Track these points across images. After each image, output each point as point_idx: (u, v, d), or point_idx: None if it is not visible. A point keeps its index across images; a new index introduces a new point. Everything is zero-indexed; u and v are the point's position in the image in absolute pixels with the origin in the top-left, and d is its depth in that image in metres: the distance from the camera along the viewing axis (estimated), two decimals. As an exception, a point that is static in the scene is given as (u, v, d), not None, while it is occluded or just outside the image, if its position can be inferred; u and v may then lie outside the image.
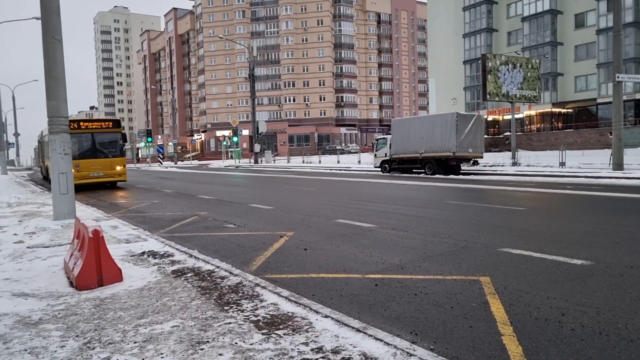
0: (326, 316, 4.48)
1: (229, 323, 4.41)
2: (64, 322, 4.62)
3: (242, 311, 4.74)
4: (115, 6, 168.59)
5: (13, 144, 62.34)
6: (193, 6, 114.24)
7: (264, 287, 5.47)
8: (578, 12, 52.76)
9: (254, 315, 4.60)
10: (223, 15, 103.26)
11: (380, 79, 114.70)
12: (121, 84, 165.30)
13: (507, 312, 4.77)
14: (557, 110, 55.75)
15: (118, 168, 22.10)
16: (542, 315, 4.68)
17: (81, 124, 21.83)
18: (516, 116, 39.03)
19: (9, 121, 66.28)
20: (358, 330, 4.11)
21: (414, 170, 28.81)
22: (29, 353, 3.91)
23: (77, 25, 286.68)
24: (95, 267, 5.88)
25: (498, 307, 4.90)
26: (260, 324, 4.38)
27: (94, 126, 21.96)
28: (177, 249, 7.84)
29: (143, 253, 7.70)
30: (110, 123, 22.58)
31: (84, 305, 5.14)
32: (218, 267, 6.50)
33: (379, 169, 31.14)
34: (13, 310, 5.03)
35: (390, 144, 29.53)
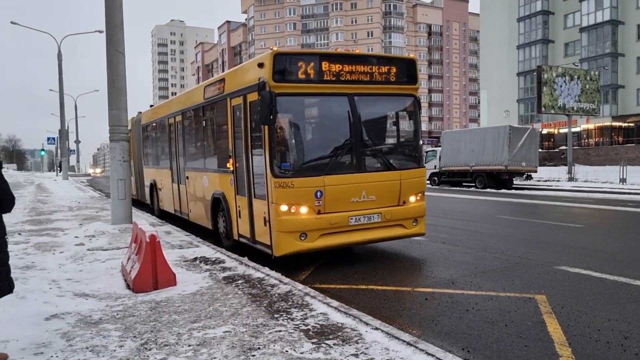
0: (376, 328, 4.45)
1: (280, 331, 4.46)
2: (122, 323, 4.80)
3: (292, 320, 4.79)
4: (172, 19, 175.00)
5: (74, 150, 65.45)
6: (245, 19, 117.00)
7: (313, 297, 5.49)
8: (641, 22, 50.51)
9: (304, 324, 4.63)
10: (274, 28, 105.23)
11: (430, 91, 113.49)
12: (176, 94, 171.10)
13: (565, 332, 4.59)
14: (617, 124, 53.36)
15: (412, 199, 7.92)
16: (603, 337, 4.48)
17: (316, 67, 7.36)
18: (573, 129, 37.59)
19: (71, 129, 69.85)
20: (409, 344, 4.06)
21: (463, 184, 28.27)
22: (90, 351, 4.09)
23: (136, 39, 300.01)
24: (151, 271, 6.08)
25: (555, 327, 4.73)
26: (310, 333, 4.41)
27: (355, 72, 7.49)
28: (228, 256, 8.00)
29: (195, 259, 7.90)
30: (394, 68, 7.89)
31: (140, 308, 5.33)
32: (268, 275, 6.60)
33: (428, 182, 30.73)
34: (75, 309, 5.27)
35: (439, 157, 29.10)
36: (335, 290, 6.14)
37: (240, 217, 7.93)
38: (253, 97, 7.10)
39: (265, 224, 7.08)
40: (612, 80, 52.09)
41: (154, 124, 14.70)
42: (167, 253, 7.52)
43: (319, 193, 6.91)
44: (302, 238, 6.89)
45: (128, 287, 6.25)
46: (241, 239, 8.10)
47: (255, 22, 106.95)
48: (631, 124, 52.53)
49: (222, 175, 8.65)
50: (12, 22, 38.39)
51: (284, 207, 6.78)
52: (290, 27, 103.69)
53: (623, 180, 24.49)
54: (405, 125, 8.19)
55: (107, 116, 11.41)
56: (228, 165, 8.24)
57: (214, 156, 9.41)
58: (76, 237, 10.11)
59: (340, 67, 7.21)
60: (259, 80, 6.82)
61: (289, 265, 7.52)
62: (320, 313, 4.96)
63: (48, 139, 53.57)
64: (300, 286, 5.98)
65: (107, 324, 4.80)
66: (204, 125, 10.02)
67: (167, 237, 10.08)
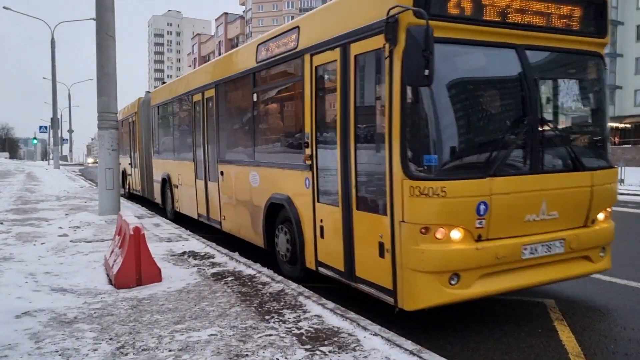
0: (375, 334, 4.09)
1: (270, 335, 4.09)
2: (99, 323, 4.42)
3: (284, 322, 4.42)
4: (169, 10, 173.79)
5: (67, 139, 64.66)
6: (243, 11, 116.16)
7: (307, 297, 5.15)
8: (640, 23, 50.35)
9: (297, 328, 4.27)
10: (272, 21, 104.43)
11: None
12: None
13: (578, 342, 4.25)
14: (614, 124, 53.27)
15: (600, 217, 5.27)
16: (621, 349, 4.14)
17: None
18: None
19: (64, 118, 69.02)
20: (412, 353, 3.70)
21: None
22: (60, 355, 3.71)
23: (132, 29, 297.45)
24: (134, 265, 5.72)
25: (568, 336, 4.38)
26: (304, 337, 4.04)
27: (528, 11, 4.79)
28: (218, 251, 7.62)
29: (184, 253, 7.53)
30: (579, 10, 5.11)
31: (120, 306, 4.94)
32: (260, 272, 6.24)
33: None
34: (50, 306, 4.88)
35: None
36: (330, 290, 5.77)
37: (323, 236, 5.70)
38: (365, 46, 4.86)
39: (382, 255, 4.65)
40: (609, 81, 51.89)
41: (169, 105, 12.22)
42: (154, 246, 7.26)
43: (482, 207, 4.38)
44: (453, 282, 4.38)
45: (110, 282, 5.88)
46: (322, 269, 5.78)
47: (253, 15, 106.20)
48: (628, 125, 52.47)
49: (287, 171, 6.46)
50: (4, 7, 37.68)
51: (424, 230, 4.30)
52: (288, 19, 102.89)
53: (621, 181, 24.26)
54: (590, 101, 5.60)
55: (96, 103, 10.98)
56: (303, 158, 5.92)
57: (273, 144, 7.34)
58: (60, 227, 9.69)
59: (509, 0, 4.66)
60: (388, 15, 4.27)
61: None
62: (315, 315, 4.62)
63: (40, 127, 52.81)
64: (294, 285, 5.64)
65: (83, 323, 4.41)
66: (255, 100, 7.45)
67: (155, 230, 9.69)
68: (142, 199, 15.71)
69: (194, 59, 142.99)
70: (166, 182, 12.48)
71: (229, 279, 6.00)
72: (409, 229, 4.37)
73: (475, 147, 4.66)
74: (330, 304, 4.90)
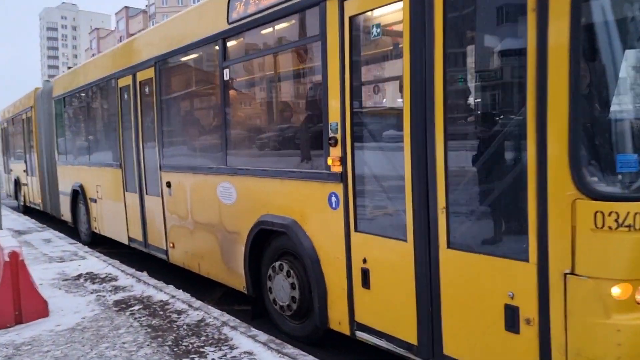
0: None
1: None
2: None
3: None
4: (63, 2, 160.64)
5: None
6: (146, 5, 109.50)
7: (233, 328, 4.37)
8: None
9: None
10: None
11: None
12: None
13: None
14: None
15: None
16: None
17: None
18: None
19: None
20: None
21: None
22: None
23: (21, 22, 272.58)
24: (12, 299, 4.82)
25: None
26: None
27: None
28: (122, 271, 6.57)
29: (79, 276, 6.49)
30: None
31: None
32: (174, 296, 5.33)
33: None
34: None
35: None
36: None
37: (367, 284, 3.63)
38: None
39: (512, 327, 2.77)
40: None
41: (81, 94, 9.42)
42: (42, 270, 6.51)
43: None
44: None
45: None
46: (364, 335, 3.75)
47: (157, 9, 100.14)
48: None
49: (292, 183, 4.27)
50: None
51: (619, 290, 2.44)
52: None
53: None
54: None
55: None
56: (327, 162, 3.80)
57: (261, 142, 5.06)
58: None
59: None
60: None
61: (200, 277, 5.85)
62: (245, 352, 3.91)
63: None
64: (216, 312, 4.83)
65: None
66: (227, 79, 5.06)
67: (45, 247, 8.27)
68: (43, 215, 12.53)
69: (93, 54, 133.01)
70: (79, 195, 9.55)
71: (136, 307, 5.13)
72: (588, 288, 2.46)
73: None
74: (263, 336, 4.17)
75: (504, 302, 2.79)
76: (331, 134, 3.79)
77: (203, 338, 4.20)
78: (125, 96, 7.31)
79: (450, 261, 3.07)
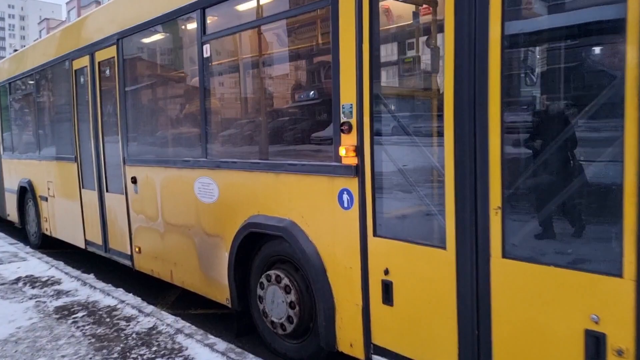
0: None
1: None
2: None
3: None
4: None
5: None
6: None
7: (188, 335, 4.05)
8: None
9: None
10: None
11: None
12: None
13: None
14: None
15: None
16: None
17: None
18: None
19: None
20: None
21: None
22: None
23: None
24: None
25: None
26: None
27: None
28: (66, 273, 6.08)
29: (18, 279, 5.98)
30: None
31: None
32: (123, 301, 4.97)
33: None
34: None
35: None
36: (222, 317, 4.63)
37: (390, 300, 2.99)
38: None
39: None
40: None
41: (28, 80, 8.24)
42: None
43: None
44: None
45: None
46: None
47: None
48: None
49: (289, 178, 3.57)
50: None
51: None
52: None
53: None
54: None
55: None
56: (338, 152, 3.13)
57: (249, 130, 4.34)
58: None
59: None
60: None
61: (153, 278, 5.35)
62: None
63: None
64: (170, 318, 4.47)
65: None
66: (207, 56, 4.28)
67: None
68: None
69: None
70: (27, 193, 8.48)
71: (80, 315, 4.71)
72: None
73: None
74: (221, 344, 3.85)
75: (584, 327, 2.21)
76: (344, 119, 3.11)
77: (154, 348, 3.88)
78: (82, 79, 6.39)
79: (505, 274, 2.46)
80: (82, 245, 6.76)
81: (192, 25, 4.51)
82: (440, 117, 2.64)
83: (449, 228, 2.65)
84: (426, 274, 2.81)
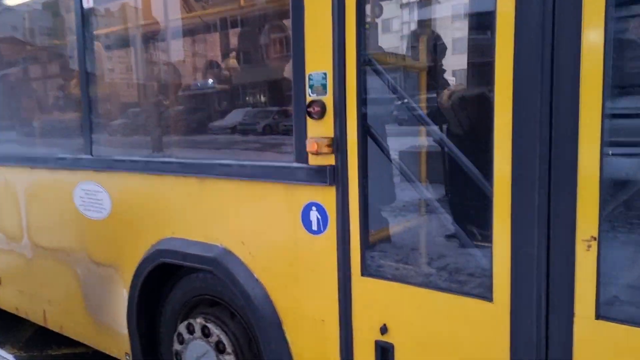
0: None
1: None
2: None
3: None
4: None
5: None
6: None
7: None
8: None
9: None
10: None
11: None
12: None
13: None
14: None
15: None
16: None
17: None
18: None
19: None
20: None
21: None
22: None
23: None
24: None
25: None
26: None
27: None
28: None
29: None
30: None
31: None
32: None
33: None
34: None
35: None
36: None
37: None
38: None
39: None
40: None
41: None
42: None
43: None
44: None
45: None
46: None
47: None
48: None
49: (222, 186, 2.39)
50: None
51: None
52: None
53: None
54: None
55: None
56: (309, 147, 1.98)
57: (153, 116, 3.17)
58: None
59: None
60: None
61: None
62: None
63: None
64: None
65: None
66: (91, 6, 2.90)
67: None
68: None
69: None
70: None
71: None
72: None
73: None
74: None
75: None
76: (312, 96, 2.01)
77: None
78: None
79: (598, 343, 1.53)
80: None
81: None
82: (486, 102, 1.64)
83: (499, 270, 1.66)
84: (454, 337, 1.80)
